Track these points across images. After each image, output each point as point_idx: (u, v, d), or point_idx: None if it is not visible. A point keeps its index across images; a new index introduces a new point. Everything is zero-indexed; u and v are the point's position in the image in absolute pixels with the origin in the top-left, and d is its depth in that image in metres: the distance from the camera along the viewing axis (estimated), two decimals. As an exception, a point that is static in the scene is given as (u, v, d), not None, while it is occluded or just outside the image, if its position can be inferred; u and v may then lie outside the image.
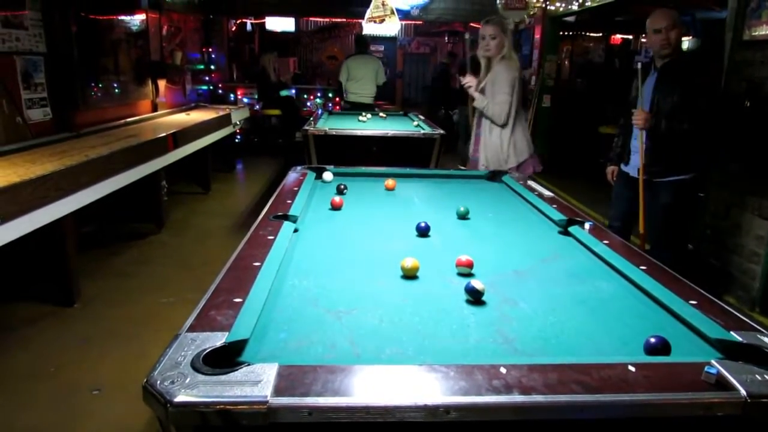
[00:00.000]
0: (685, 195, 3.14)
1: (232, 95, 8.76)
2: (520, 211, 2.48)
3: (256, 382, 0.97)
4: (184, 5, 7.48)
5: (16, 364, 2.72)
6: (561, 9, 7.08)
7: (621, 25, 10.07)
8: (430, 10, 8.65)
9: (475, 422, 1.00)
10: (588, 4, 6.25)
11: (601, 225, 2.18)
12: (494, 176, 3.10)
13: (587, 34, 10.34)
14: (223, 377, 0.98)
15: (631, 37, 10.53)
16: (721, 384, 1.04)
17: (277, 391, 0.97)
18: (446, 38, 12.19)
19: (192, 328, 1.17)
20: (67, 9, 4.47)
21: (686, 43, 9.98)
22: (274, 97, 8.65)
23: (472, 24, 9.28)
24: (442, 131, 4.71)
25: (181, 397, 0.93)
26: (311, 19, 11.40)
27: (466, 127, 7.53)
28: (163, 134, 4.58)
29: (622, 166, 3.42)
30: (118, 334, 3.03)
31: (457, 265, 1.68)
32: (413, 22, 10.10)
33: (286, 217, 2.07)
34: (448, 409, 0.98)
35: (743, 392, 1.02)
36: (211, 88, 8.65)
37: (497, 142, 3.52)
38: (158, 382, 0.96)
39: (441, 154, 4.60)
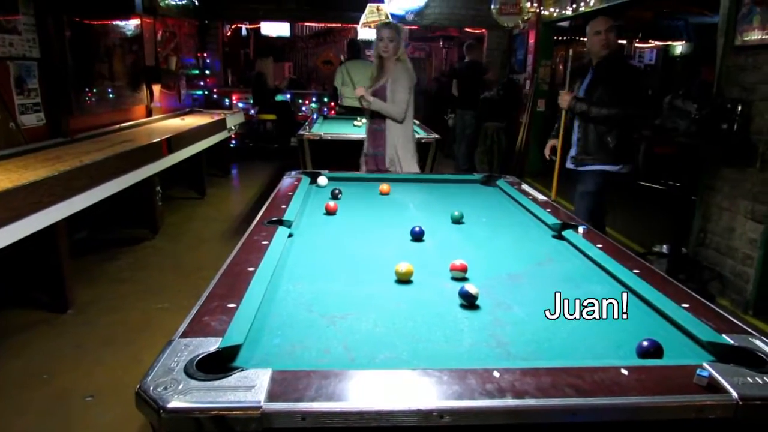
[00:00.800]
0: (607, 185, 3.49)
1: (227, 100, 8.76)
2: (515, 216, 2.49)
3: (249, 388, 0.97)
4: (178, 10, 7.49)
5: (9, 371, 2.70)
6: (555, 14, 7.11)
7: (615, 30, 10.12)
8: (425, 15, 8.68)
9: (468, 426, 1.00)
10: (582, 9, 6.28)
11: (594, 229, 2.18)
12: (488, 180, 3.11)
13: (582, 38, 10.39)
14: (216, 383, 0.98)
15: (624, 41, 10.60)
16: (713, 387, 1.05)
17: (271, 397, 0.97)
18: (441, 43, 12.23)
19: (185, 334, 1.17)
20: (60, 14, 4.47)
21: (679, 47, 10.06)
22: (269, 101, 8.65)
23: (467, 29, 9.32)
24: (437, 136, 4.72)
25: (174, 403, 0.92)
26: (306, 24, 11.42)
27: (466, 131, 7.56)
28: (158, 139, 4.57)
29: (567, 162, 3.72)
30: (112, 340, 3.01)
31: (451, 270, 1.68)
32: (408, 27, 10.14)
33: (280, 222, 2.07)
34: (441, 413, 0.98)
35: (735, 395, 1.03)
36: (206, 93, 8.65)
37: (403, 137, 3.77)
38: (151, 388, 0.95)
39: (436, 158, 4.61)
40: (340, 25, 10.60)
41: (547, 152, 3.92)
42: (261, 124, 8.79)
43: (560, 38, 9.08)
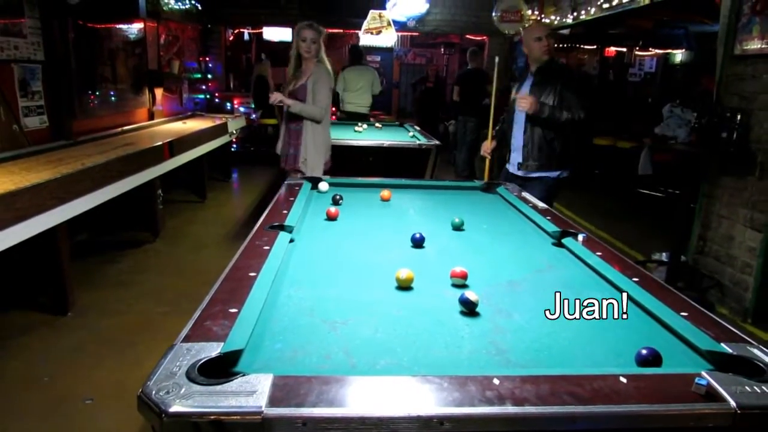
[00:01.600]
0: (553, 190, 3.54)
1: (228, 104, 8.79)
2: (515, 223, 2.50)
3: (251, 393, 0.98)
4: (182, 14, 7.52)
5: (9, 373, 2.71)
6: (555, 22, 7.14)
7: (614, 38, 10.16)
8: (426, 22, 8.72)
9: (468, 433, 1.01)
10: (582, 17, 6.31)
11: (593, 236, 2.19)
12: (489, 188, 3.12)
13: (582, 46, 10.43)
14: (218, 387, 0.99)
15: (625, 49, 10.64)
16: (711, 395, 1.06)
17: (272, 402, 0.98)
18: (443, 49, 12.29)
19: (187, 338, 1.18)
20: (65, 17, 4.49)
21: (679, 56, 10.09)
22: (271, 105, 8.66)
23: (468, 36, 9.35)
24: (437, 142, 4.74)
25: (175, 408, 0.93)
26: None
27: (467, 137, 7.58)
28: (159, 143, 4.59)
29: (507, 166, 3.73)
30: (112, 343, 3.02)
31: (452, 277, 1.69)
32: (410, 33, 10.17)
33: (281, 228, 2.08)
34: (441, 420, 0.99)
35: (733, 403, 1.04)
36: (208, 97, 8.67)
37: (319, 138, 3.85)
38: (153, 392, 0.96)
39: (437, 164, 4.62)
40: (341, 30, 10.65)
41: (486, 152, 3.91)
42: (262, 128, 8.81)
43: (561, 46, 9.12)
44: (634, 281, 1.68)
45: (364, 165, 4.55)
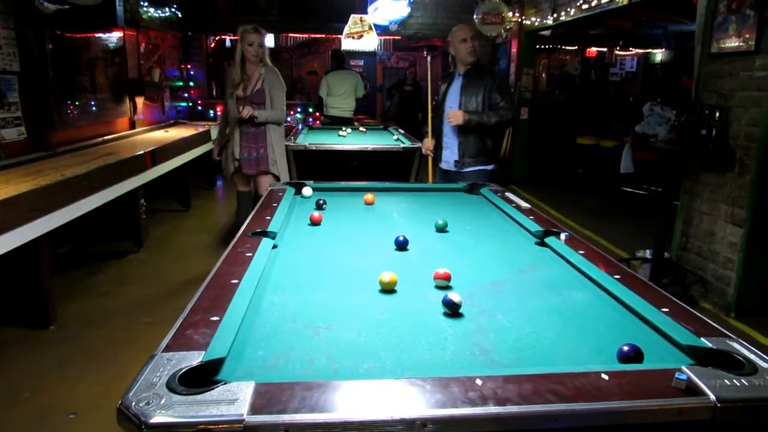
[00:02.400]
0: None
1: (211, 111, 8.74)
2: (498, 223, 2.51)
3: (232, 401, 0.97)
4: (161, 22, 7.48)
5: (-11, 390, 2.66)
6: (536, 23, 7.21)
7: (595, 39, 10.29)
8: (408, 25, 8.75)
9: (452, 435, 1.01)
10: (563, 18, 6.38)
11: (577, 235, 2.21)
12: (472, 189, 3.13)
13: (563, 47, 10.54)
14: (199, 397, 0.98)
15: (605, 49, 10.77)
16: (692, 390, 1.07)
17: (254, 409, 0.97)
18: (425, 52, 12.32)
19: (168, 348, 1.16)
20: (41, 27, 4.45)
21: (659, 55, 10.23)
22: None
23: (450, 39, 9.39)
24: (420, 144, 4.74)
25: (156, 419, 0.92)
26: (291, 35, 11.45)
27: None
28: (141, 152, 4.55)
29: (440, 164, 3.86)
30: (95, 356, 2.98)
31: (435, 278, 1.69)
32: (392, 37, 10.21)
33: (264, 234, 2.07)
34: (425, 422, 0.98)
35: (713, 397, 1.05)
36: (190, 104, 8.62)
37: (280, 139, 3.99)
38: (133, 403, 0.95)
39: (421, 167, 4.63)
40: (324, 35, 10.65)
41: (428, 150, 3.99)
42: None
43: (542, 47, 9.21)
44: (616, 279, 1.69)
45: (349, 169, 4.55)
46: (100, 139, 5.29)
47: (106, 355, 2.98)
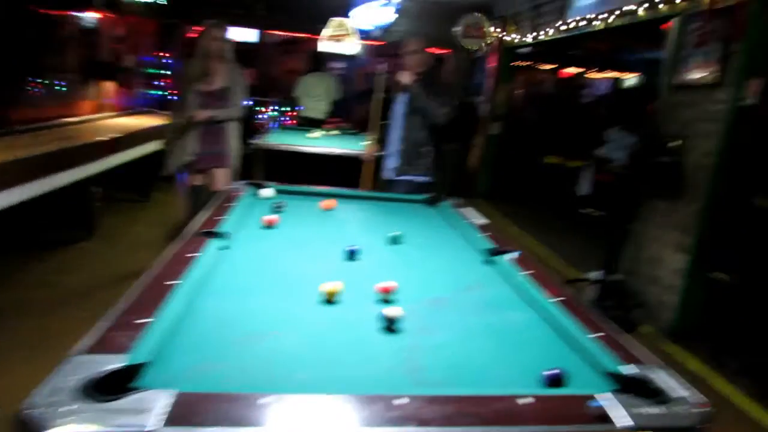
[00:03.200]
0: (418, 192, 3.62)
1: (185, 102, 8.58)
2: (452, 239, 2.53)
3: (141, 411, 0.95)
4: (142, 7, 7.33)
5: None
6: (516, 41, 7.30)
7: (572, 59, 10.47)
8: (392, 32, 8.76)
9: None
10: (542, 37, 6.48)
11: (532, 254, 2.23)
12: (434, 201, 3.15)
13: (540, 66, 10.70)
14: (107, 405, 0.95)
15: (582, 70, 10.98)
16: (605, 417, 1.09)
17: (172, 420, 0.95)
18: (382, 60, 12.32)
19: (86, 350, 1.13)
20: (10, 2, 4.32)
21: (631, 80, 10.48)
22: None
23: (431, 49, 9.42)
24: (383, 153, 4.74)
25: (54, 429, 0.89)
26: (273, 32, 11.36)
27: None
28: (102, 138, 4.44)
29: (383, 172, 4.02)
30: (25, 348, 2.84)
31: (378, 292, 1.69)
32: (374, 42, 10.21)
33: (214, 234, 2.04)
34: (342, 440, 0.98)
35: (629, 424, 1.08)
36: (164, 94, 8.47)
37: (237, 134, 3.92)
38: (34, 409, 0.91)
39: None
40: (307, 35, 10.58)
41: (370, 155, 4.17)
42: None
43: (520, 64, 9.32)
44: (556, 301, 1.72)
45: (317, 172, 4.52)
46: (64, 120, 5.15)
47: (39, 348, 2.85)
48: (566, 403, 1.15)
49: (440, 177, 3.96)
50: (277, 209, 2.60)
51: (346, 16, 7.63)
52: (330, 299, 1.65)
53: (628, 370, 1.32)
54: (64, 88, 5.42)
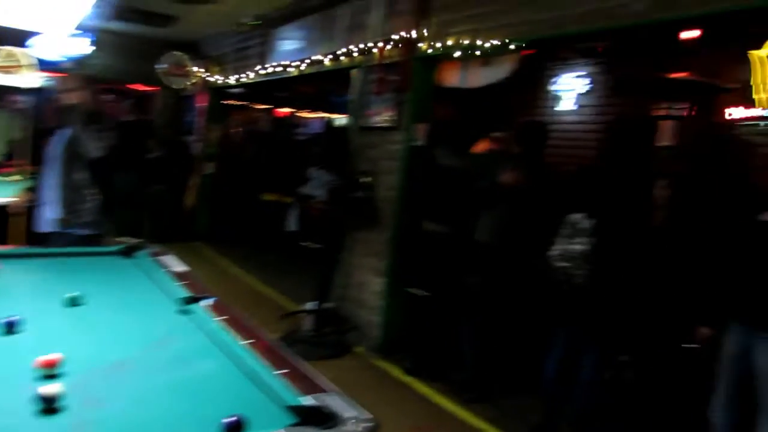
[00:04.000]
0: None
1: None
2: (146, 291, 2.36)
3: None
4: None
5: None
6: (219, 82, 7.36)
7: (285, 100, 11.02)
8: (88, 65, 7.92)
9: None
10: (243, 79, 6.66)
11: (222, 301, 2.21)
12: (129, 252, 2.89)
13: (255, 105, 10.99)
14: None
15: (294, 110, 11.64)
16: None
17: None
18: (113, 97, 11.31)
19: None
20: None
21: (341, 120, 11.52)
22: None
23: (135, 86, 8.85)
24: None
25: None
26: None
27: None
28: None
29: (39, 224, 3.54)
30: None
31: (38, 367, 1.46)
32: (65, 74, 9.10)
33: None
34: None
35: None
36: None
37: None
38: None
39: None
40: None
41: (18, 206, 3.81)
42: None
43: (232, 103, 9.41)
44: (246, 344, 1.73)
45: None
46: None
47: None
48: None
49: (110, 225, 3.65)
50: None
51: (22, 45, 6.64)
52: (-32, 389, 1.36)
53: (307, 400, 1.40)
54: None
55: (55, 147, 3.44)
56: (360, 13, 4.67)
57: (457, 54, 3.77)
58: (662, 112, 5.51)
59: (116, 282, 2.46)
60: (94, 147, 3.39)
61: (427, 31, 4.01)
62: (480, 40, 3.56)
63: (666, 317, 3.21)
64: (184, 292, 2.22)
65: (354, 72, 4.69)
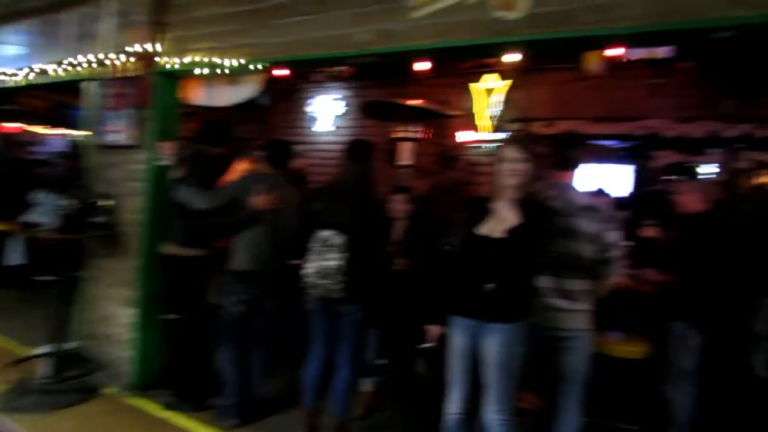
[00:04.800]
0: None
1: None
2: None
3: None
4: None
5: None
6: None
7: (9, 114, 9.47)
8: None
9: None
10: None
11: None
12: None
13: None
14: None
15: (25, 125, 10.07)
16: None
17: None
18: None
19: None
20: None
21: (86, 137, 10.26)
22: None
23: None
24: None
25: None
26: None
27: None
28: None
29: None
30: None
31: None
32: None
33: None
34: None
35: None
36: None
37: None
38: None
39: None
40: None
41: None
42: None
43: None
44: None
45: None
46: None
47: None
48: None
49: None
50: None
51: None
52: None
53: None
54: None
55: None
56: (89, 21, 4.27)
57: (199, 71, 3.68)
58: (401, 134, 6.21)
59: None
60: None
61: (165, 46, 3.84)
62: (220, 58, 3.53)
63: (408, 321, 3.47)
64: None
65: (85, 84, 4.25)
